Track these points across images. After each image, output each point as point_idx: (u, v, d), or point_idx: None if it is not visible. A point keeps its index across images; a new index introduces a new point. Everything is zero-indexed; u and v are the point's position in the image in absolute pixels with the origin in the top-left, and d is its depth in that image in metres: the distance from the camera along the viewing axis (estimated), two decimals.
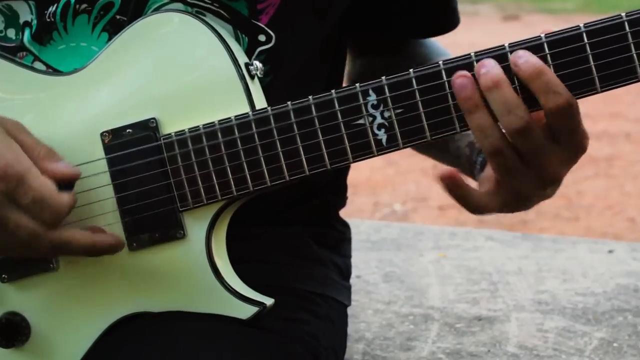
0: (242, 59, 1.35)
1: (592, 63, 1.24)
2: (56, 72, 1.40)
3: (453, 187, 1.28)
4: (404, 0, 1.56)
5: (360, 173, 5.80)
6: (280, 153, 1.30)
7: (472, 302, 2.25)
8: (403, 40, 1.65)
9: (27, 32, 1.42)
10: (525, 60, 1.23)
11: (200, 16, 1.36)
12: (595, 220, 5.31)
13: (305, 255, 1.58)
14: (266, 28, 1.42)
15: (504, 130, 1.25)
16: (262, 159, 1.31)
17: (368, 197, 5.70)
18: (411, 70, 1.27)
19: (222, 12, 1.40)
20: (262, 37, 1.42)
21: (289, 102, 1.30)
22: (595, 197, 5.64)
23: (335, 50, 1.59)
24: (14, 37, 1.43)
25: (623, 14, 1.23)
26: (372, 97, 1.28)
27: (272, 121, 1.30)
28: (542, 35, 1.25)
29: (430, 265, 2.54)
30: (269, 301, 1.35)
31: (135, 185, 1.33)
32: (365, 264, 2.50)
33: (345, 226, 1.69)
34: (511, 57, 1.24)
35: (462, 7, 1.65)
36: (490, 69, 1.23)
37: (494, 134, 1.25)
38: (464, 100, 1.24)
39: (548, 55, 1.24)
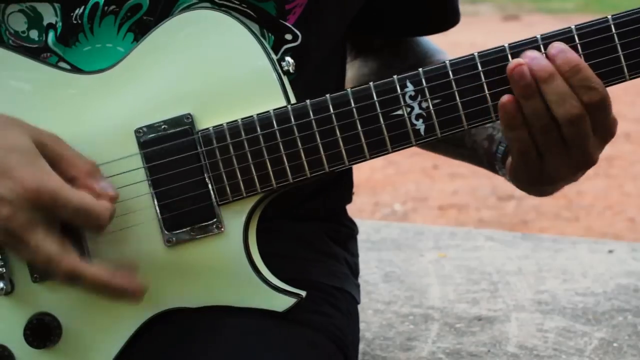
0: (273, 55, 1.35)
1: (620, 52, 1.27)
2: (83, 71, 1.40)
3: (515, 113, 1.28)
4: None
5: (360, 173, 5.79)
6: (320, 145, 1.31)
7: (472, 302, 2.25)
8: (399, 39, 1.66)
9: (51, 34, 1.42)
10: (563, 56, 1.27)
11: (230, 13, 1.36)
12: (595, 220, 5.31)
13: (322, 250, 1.59)
14: (293, 28, 1.43)
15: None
16: (301, 151, 1.31)
17: (368, 197, 5.70)
18: (447, 61, 1.29)
19: (249, 11, 1.41)
20: (288, 36, 1.43)
21: (327, 95, 1.31)
22: (595, 197, 5.64)
23: (345, 47, 1.61)
24: (36, 39, 1.42)
25: None
26: (410, 88, 1.30)
27: (310, 114, 1.31)
28: (573, 27, 1.28)
29: (430, 265, 2.54)
30: (303, 293, 1.36)
31: (172, 180, 1.33)
32: (365, 264, 2.50)
33: (353, 223, 1.71)
34: (549, 50, 1.27)
35: (462, 7, 1.65)
36: (541, 60, 1.27)
37: (546, 116, 1.27)
38: (523, 87, 1.26)
39: (578, 45, 1.28)
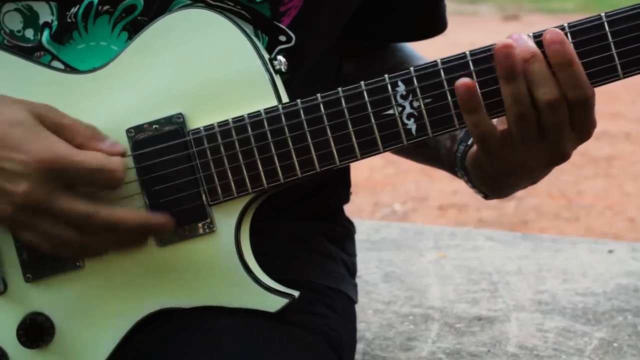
0: (265, 54, 1.36)
1: (613, 50, 1.27)
2: (76, 70, 1.40)
3: (470, 96, 1.27)
4: (390, 4, 1.57)
5: (360, 173, 5.81)
6: (311, 145, 1.32)
7: (472, 302, 2.25)
8: (382, 44, 1.67)
9: (46, 32, 1.42)
10: (559, 47, 1.26)
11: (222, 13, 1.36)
12: (595, 220, 5.31)
13: (318, 250, 1.59)
14: (287, 30, 1.43)
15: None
16: (292, 151, 1.32)
17: (368, 197, 5.70)
18: (438, 60, 1.30)
19: (243, 13, 1.41)
20: (282, 38, 1.43)
21: (318, 95, 1.31)
22: (595, 197, 5.64)
23: (341, 51, 1.60)
24: (32, 38, 1.43)
25: None
26: (401, 88, 1.30)
27: (301, 114, 1.31)
28: (565, 24, 1.28)
29: (430, 265, 2.54)
30: (296, 293, 1.36)
31: (164, 180, 1.33)
32: (365, 264, 2.50)
33: (350, 223, 1.70)
34: (544, 35, 1.26)
35: (462, 7, 1.66)
36: (526, 40, 1.26)
37: (526, 101, 1.27)
38: (507, 68, 1.26)
39: (572, 44, 1.27)
